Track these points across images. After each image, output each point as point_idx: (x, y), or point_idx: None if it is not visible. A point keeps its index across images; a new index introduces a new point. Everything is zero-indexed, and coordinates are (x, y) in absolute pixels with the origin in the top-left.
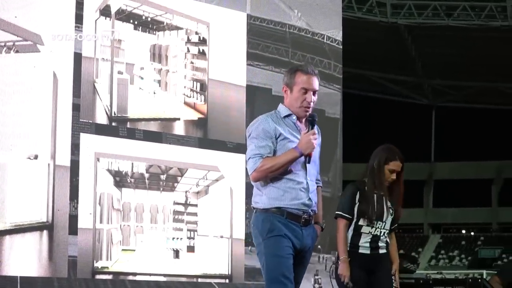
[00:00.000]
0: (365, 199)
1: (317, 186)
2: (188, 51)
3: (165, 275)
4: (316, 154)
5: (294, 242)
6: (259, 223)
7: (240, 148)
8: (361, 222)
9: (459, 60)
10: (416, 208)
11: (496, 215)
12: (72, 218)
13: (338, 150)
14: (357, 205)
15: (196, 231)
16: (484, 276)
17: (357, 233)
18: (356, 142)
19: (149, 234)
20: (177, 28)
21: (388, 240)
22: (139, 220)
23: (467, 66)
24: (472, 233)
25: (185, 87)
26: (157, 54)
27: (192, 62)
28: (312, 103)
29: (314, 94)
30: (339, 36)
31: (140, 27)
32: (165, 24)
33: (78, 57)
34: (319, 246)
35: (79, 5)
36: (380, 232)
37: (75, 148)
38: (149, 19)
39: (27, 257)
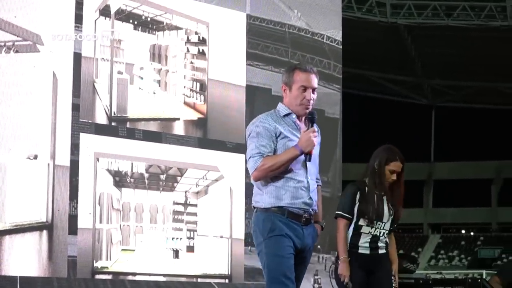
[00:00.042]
0: (365, 199)
1: (317, 185)
2: (188, 51)
3: (164, 275)
4: (315, 152)
5: (295, 242)
6: (260, 223)
7: (239, 148)
8: (361, 222)
9: (458, 60)
10: (416, 208)
11: (496, 215)
12: (72, 218)
13: (338, 150)
14: (357, 205)
15: (195, 231)
16: (484, 276)
17: (357, 233)
18: (355, 142)
19: (149, 234)
20: (177, 28)
21: (387, 241)
22: (138, 220)
23: (467, 66)
24: (472, 233)
25: (184, 87)
26: (157, 54)
27: (191, 62)
28: (311, 101)
29: (313, 92)
30: (338, 36)
31: (140, 27)
32: (164, 24)
33: (77, 57)
34: (318, 246)
35: (79, 5)
36: (380, 232)
37: (74, 148)
38: (148, 19)
39: (27, 257)
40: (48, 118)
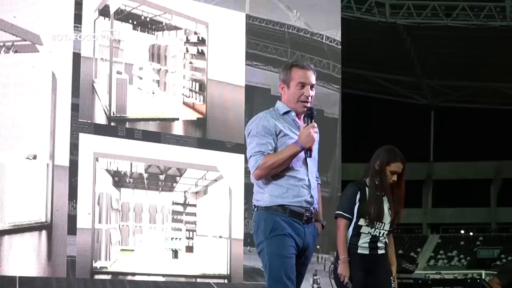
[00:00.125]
0: (365, 199)
1: (317, 184)
2: (187, 51)
3: (164, 275)
4: (315, 150)
5: (297, 241)
6: (261, 222)
7: (239, 148)
8: (360, 222)
9: (458, 60)
10: (415, 208)
11: (495, 215)
12: (71, 218)
13: (337, 150)
14: (357, 205)
15: (195, 231)
16: (483, 277)
17: (357, 233)
18: (354, 142)
19: (148, 234)
20: (176, 28)
21: (387, 241)
22: (138, 220)
23: (466, 66)
24: (471, 233)
25: (184, 87)
26: (156, 54)
27: (191, 62)
28: (310, 98)
29: (311, 88)
30: (338, 36)
31: (139, 27)
32: (164, 24)
33: (77, 57)
34: (318, 246)
35: (78, 5)
36: (380, 232)
37: (74, 148)
38: (148, 19)
39: (26, 257)
40: (48, 118)
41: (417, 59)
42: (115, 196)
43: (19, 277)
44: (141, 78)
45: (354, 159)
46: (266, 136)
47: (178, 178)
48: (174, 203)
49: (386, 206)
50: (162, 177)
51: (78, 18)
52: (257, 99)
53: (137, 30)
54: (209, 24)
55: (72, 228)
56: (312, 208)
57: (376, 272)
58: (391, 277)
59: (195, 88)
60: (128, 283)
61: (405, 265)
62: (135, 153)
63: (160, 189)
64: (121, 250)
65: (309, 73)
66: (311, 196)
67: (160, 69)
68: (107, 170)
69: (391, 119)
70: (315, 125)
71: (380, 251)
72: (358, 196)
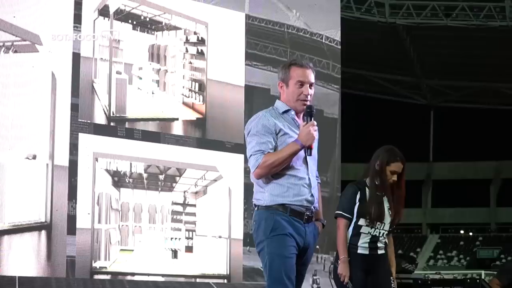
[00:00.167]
0: (365, 199)
1: (317, 183)
2: (187, 51)
3: (163, 275)
4: (314, 149)
5: (298, 240)
6: (262, 221)
7: (238, 148)
8: (360, 222)
9: (457, 60)
10: (415, 208)
11: (495, 216)
12: (71, 218)
13: (337, 150)
14: (357, 205)
15: (194, 231)
16: (483, 277)
17: (356, 233)
18: (354, 142)
19: (148, 234)
20: (176, 28)
21: (386, 241)
22: (137, 220)
23: (466, 66)
24: (471, 234)
25: (183, 87)
26: (156, 54)
27: (190, 62)
28: (309, 96)
29: (310, 87)
30: (337, 36)
31: (139, 27)
32: (163, 24)
33: (76, 57)
34: (317, 246)
35: (78, 5)
36: (379, 232)
37: (73, 148)
38: (147, 19)
39: (26, 257)
40: (47, 118)
41: (416, 59)
42: (115, 196)
43: (19, 277)
44: (140, 78)
45: (354, 159)
46: (266, 135)
47: (177, 178)
48: (174, 203)
49: (386, 206)
50: (161, 177)
51: (77, 18)
52: (256, 99)
53: (137, 30)
54: (208, 24)
55: (71, 228)
56: (312, 207)
57: (376, 272)
58: (391, 277)
59: (194, 88)
60: (127, 283)
61: (405, 265)
62: (134, 153)
63: (159, 189)
64: (121, 250)
65: (308, 72)
66: (312, 195)
67: (160, 69)
68: (107, 170)
69: (390, 119)
70: (315, 123)
71: (380, 251)
72: (358, 196)
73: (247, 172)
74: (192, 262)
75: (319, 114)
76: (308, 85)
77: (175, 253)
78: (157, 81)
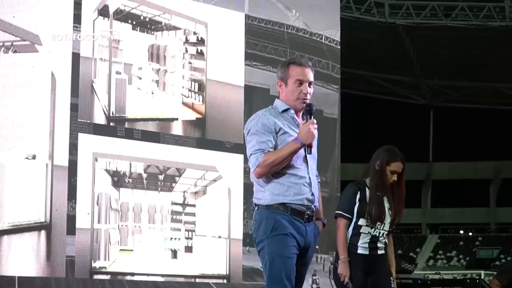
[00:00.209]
0: (365, 199)
1: (317, 182)
2: (186, 51)
3: (163, 275)
4: (314, 148)
5: (298, 240)
6: (262, 220)
7: (238, 148)
8: (360, 222)
9: (457, 61)
10: (414, 208)
11: (494, 216)
12: (70, 218)
13: (336, 150)
14: (357, 205)
15: (194, 231)
16: (482, 277)
17: (356, 233)
18: (354, 142)
19: (147, 234)
20: (175, 28)
21: (387, 241)
22: (137, 220)
23: (465, 67)
24: (470, 234)
25: (183, 87)
26: (155, 54)
27: (190, 62)
28: (308, 95)
29: (309, 85)
30: (337, 36)
31: (138, 27)
32: (163, 24)
33: (76, 57)
34: (317, 246)
35: (77, 5)
36: (379, 232)
37: (73, 148)
38: (147, 19)
39: (25, 257)
40: (47, 118)
41: (416, 59)
42: (114, 196)
43: (18, 277)
44: (140, 78)
45: (354, 159)
46: (266, 134)
47: (177, 178)
48: (173, 203)
49: (386, 206)
50: (161, 177)
51: (77, 18)
52: (256, 99)
53: (137, 30)
54: (208, 24)
55: (71, 228)
56: (313, 207)
57: (375, 272)
58: (391, 278)
59: (194, 88)
60: (127, 283)
61: (404, 265)
62: (134, 153)
63: (159, 189)
64: (120, 250)
65: (307, 70)
66: (312, 194)
67: (159, 69)
68: (106, 170)
69: (390, 119)
70: (315, 121)
71: (380, 252)
72: (358, 196)
73: (246, 172)
74: (191, 262)
75: (319, 114)
76: (307, 84)
77: (174, 253)
78: (157, 81)
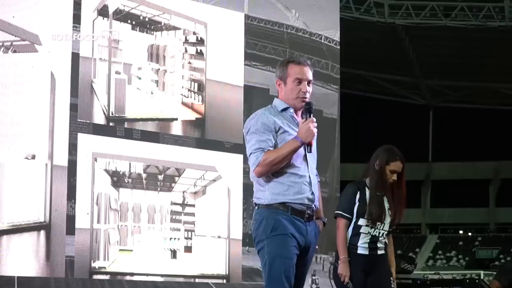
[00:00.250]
0: (365, 199)
1: (317, 181)
2: (186, 51)
3: (162, 275)
4: (314, 146)
5: (299, 240)
6: (262, 220)
7: (237, 148)
8: (360, 222)
9: (456, 61)
10: (414, 209)
11: (494, 216)
12: (70, 218)
13: (336, 150)
14: (356, 205)
15: (193, 231)
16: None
17: (356, 233)
18: (353, 143)
19: (147, 234)
20: (175, 28)
21: (386, 242)
22: (136, 220)
23: (465, 67)
24: (470, 234)
25: (182, 87)
26: (155, 54)
27: (189, 62)
28: (307, 93)
29: (308, 84)
30: (336, 36)
31: (138, 27)
32: (162, 24)
33: (76, 57)
34: (316, 246)
35: (77, 5)
36: (379, 232)
37: (72, 148)
38: (146, 19)
39: (25, 257)
40: (46, 118)
41: (415, 59)
42: (114, 196)
43: (18, 277)
44: (139, 78)
45: (353, 159)
46: (266, 133)
47: (176, 178)
48: (173, 203)
49: (386, 206)
50: (160, 177)
51: (77, 18)
52: (255, 99)
53: (136, 30)
54: (207, 24)
55: (70, 228)
56: (313, 206)
57: (376, 272)
58: (391, 278)
59: (193, 88)
60: (126, 283)
61: (404, 266)
62: (133, 153)
63: (158, 189)
64: (120, 250)
65: (305, 69)
66: (312, 193)
67: (159, 69)
68: (106, 170)
69: (389, 119)
70: (314, 119)
71: (380, 252)
72: (357, 196)
73: (246, 172)
74: (191, 262)
75: (318, 114)
76: (306, 82)
77: (174, 253)
78: (156, 81)
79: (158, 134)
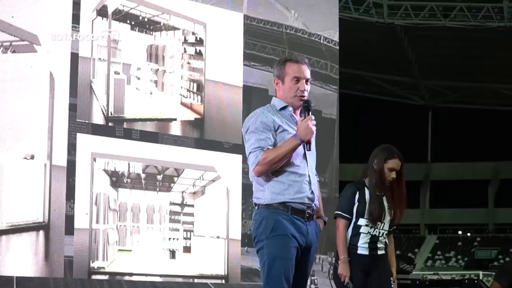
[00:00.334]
0: (365, 199)
1: (316, 180)
2: (185, 51)
3: (161, 276)
4: (313, 145)
5: (299, 240)
6: (262, 220)
7: (236, 148)
8: (360, 222)
9: (455, 61)
10: (413, 209)
11: (493, 216)
12: (69, 218)
13: (335, 150)
14: (356, 205)
15: (192, 231)
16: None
17: (356, 233)
18: (352, 143)
19: (146, 235)
20: (174, 28)
21: (387, 241)
22: (135, 221)
23: (464, 67)
24: (469, 234)
25: (181, 87)
26: (154, 55)
27: (188, 63)
28: (306, 92)
29: (306, 82)
30: (335, 36)
31: (137, 28)
32: (162, 24)
33: (75, 57)
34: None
35: (76, 5)
36: (379, 232)
37: (71, 148)
38: (146, 19)
39: (23, 257)
40: (45, 118)
41: (415, 60)
42: (113, 196)
43: (17, 277)
44: (139, 78)
45: (352, 159)
46: (265, 132)
47: (175, 179)
48: (172, 203)
49: (385, 205)
50: (159, 177)
51: (76, 18)
52: (254, 99)
53: (135, 31)
54: (207, 25)
55: (69, 228)
56: (313, 205)
57: (376, 272)
58: (391, 278)
59: (193, 89)
60: (125, 283)
61: (403, 266)
62: (132, 153)
63: (157, 189)
64: (119, 250)
65: (303, 67)
66: (312, 192)
67: (158, 69)
68: (105, 170)
69: (389, 119)
70: (313, 117)
71: (380, 252)
72: (357, 196)
73: (245, 172)
74: (190, 262)
75: (318, 114)
76: (304, 81)
77: (173, 254)
78: (155, 82)
79: (157, 134)
